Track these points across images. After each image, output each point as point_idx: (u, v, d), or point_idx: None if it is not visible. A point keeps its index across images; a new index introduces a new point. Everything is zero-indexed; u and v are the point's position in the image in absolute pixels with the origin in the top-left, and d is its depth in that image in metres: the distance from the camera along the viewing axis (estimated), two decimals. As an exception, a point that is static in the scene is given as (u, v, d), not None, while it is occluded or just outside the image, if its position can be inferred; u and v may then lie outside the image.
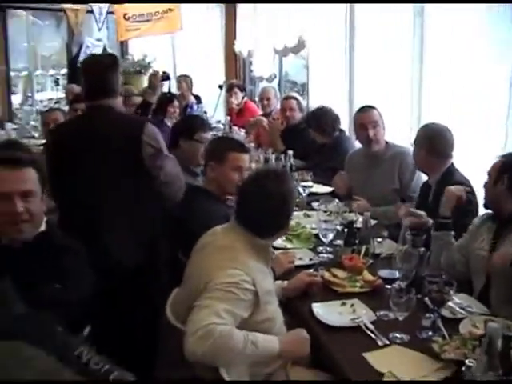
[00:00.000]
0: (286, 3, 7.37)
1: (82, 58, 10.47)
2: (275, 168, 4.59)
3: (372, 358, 2.54)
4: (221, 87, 9.39)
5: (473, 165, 4.23)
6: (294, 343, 2.69)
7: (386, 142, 4.85)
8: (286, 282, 3.24)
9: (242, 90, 8.50)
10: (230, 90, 8.49)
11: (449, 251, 3.42)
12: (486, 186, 3.31)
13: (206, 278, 2.61)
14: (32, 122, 8.59)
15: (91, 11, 10.31)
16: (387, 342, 2.66)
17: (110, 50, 11.11)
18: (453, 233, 3.45)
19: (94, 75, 3.71)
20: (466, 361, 2.28)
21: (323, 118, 5.76)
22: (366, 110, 4.87)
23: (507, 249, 3.06)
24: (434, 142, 4.02)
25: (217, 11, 10.23)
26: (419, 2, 5.01)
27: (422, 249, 3.19)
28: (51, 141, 3.83)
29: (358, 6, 5.98)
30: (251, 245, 2.79)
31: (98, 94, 3.67)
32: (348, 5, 6.09)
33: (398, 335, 2.69)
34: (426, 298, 2.73)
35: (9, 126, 8.05)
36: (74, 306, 2.54)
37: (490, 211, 3.35)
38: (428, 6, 4.93)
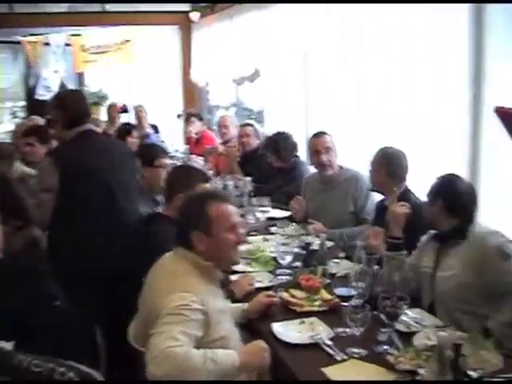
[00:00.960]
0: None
1: (39, 89, 10.53)
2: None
3: (330, 372, 2.60)
4: (179, 116, 9.49)
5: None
6: (253, 353, 2.72)
7: (341, 167, 4.98)
8: (246, 304, 3.29)
9: (200, 119, 8.58)
10: (187, 119, 8.58)
11: (402, 270, 3.49)
12: (426, 206, 3.47)
13: (159, 305, 2.63)
14: (-11, 155, 8.48)
15: (48, 43, 10.35)
16: (345, 357, 2.73)
17: (66, 82, 11.13)
18: (405, 252, 3.55)
19: (77, 104, 4.05)
20: (420, 370, 2.40)
21: (282, 143, 5.85)
22: (319, 135, 5.02)
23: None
24: (392, 164, 4.13)
25: (173, 42, 10.36)
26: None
27: (376, 267, 3.30)
28: (64, 163, 3.87)
29: (310, 35, 6.13)
30: (195, 265, 2.82)
31: (83, 120, 4.04)
32: (303, 34, 6.23)
33: (355, 350, 2.77)
34: (381, 314, 2.81)
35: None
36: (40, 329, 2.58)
37: (433, 230, 3.49)
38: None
